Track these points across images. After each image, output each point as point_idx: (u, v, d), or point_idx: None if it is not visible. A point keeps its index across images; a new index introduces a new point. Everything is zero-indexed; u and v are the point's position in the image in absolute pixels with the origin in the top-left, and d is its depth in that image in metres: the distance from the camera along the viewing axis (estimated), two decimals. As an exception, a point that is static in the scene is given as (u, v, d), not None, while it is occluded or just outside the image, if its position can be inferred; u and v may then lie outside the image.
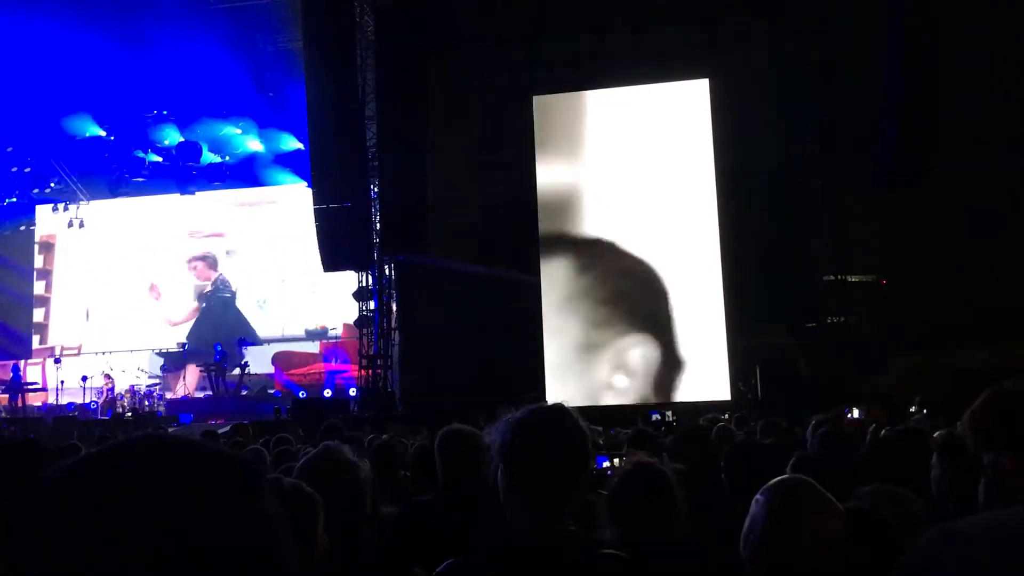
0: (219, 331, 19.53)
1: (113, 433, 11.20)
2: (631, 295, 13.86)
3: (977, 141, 12.76)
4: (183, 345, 19.59)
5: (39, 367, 20.71)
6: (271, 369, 19.24)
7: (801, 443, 4.61)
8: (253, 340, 19.10)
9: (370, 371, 14.74)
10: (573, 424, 1.79)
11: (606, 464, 4.02)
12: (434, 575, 1.80)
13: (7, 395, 18.66)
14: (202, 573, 0.76)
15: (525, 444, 1.75)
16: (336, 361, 18.70)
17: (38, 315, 21.65)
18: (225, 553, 0.77)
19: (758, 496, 1.82)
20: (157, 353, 20.22)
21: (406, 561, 2.44)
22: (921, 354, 11.89)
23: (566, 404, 1.89)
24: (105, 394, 18.18)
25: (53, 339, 21.32)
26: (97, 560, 0.74)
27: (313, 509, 1.84)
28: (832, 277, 13.61)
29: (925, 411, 8.28)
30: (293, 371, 19.05)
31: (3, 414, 17.75)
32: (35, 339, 21.43)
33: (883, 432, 5.49)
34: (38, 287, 21.72)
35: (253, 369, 18.37)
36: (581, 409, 1.90)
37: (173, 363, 19.84)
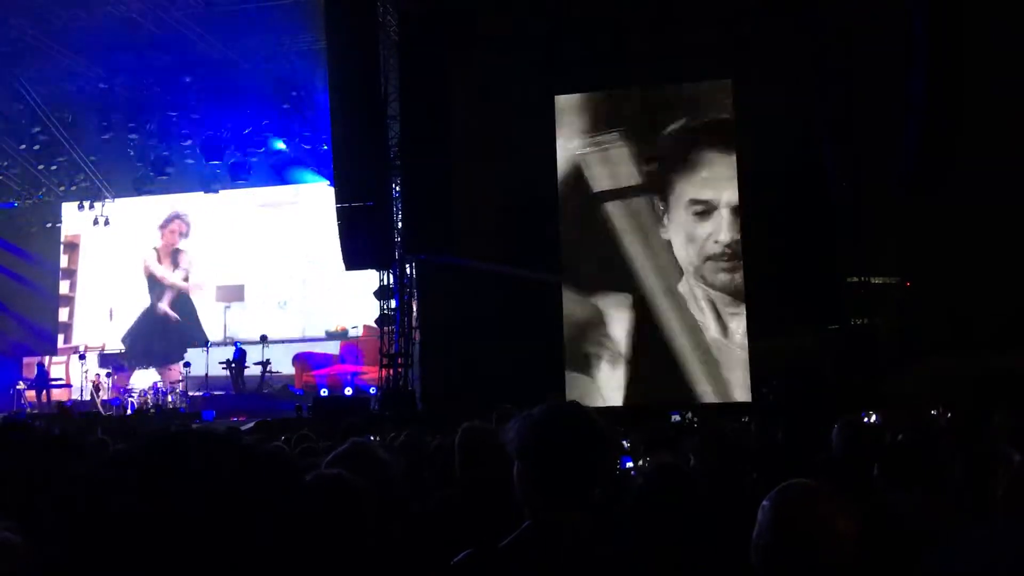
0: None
1: (136, 429, 11.30)
2: (652, 295, 13.84)
3: (1002, 143, 12.62)
4: (206, 343, 19.73)
5: (63, 363, 20.97)
6: (291, 369, 19.34)
7: (825, 446, 4.59)
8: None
9: (391, 370, 14.78)
10: (588, 421, 1.82)
11: (629, 464, 4.02)
12: (452, 564, 1.82)
13: (33, 391, 18.89)
14: (231, 561, 0.78)
15: (541, 442, 1.78)
16: (356, 362, 18.79)
17: (63, 315, 21.89)
18: (251, 543, 0.79)
19: (764, 502, 1.81)
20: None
21: (428, 559, 2.46)
22: (945, 357, 11.77)
23: (580, 402, 1.92)
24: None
25: (77, 339, 21.56)
26: (130, 546, 0.77)
27: (370, 511, 1.87)
28: (855, 279, 13.49)
29: (949, 415, 8.21)
30: (313, 372, 19.12)
31: (30, 410, 17.96)
32: (60, 338, 21.68)
33: (900, 436, 5.45)
34: (63, 287, 21.96)
35: (273, 367, 18.56)
36: (601, 410, 1.93)
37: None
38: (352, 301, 18.88)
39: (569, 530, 1.73)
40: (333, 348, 19.90)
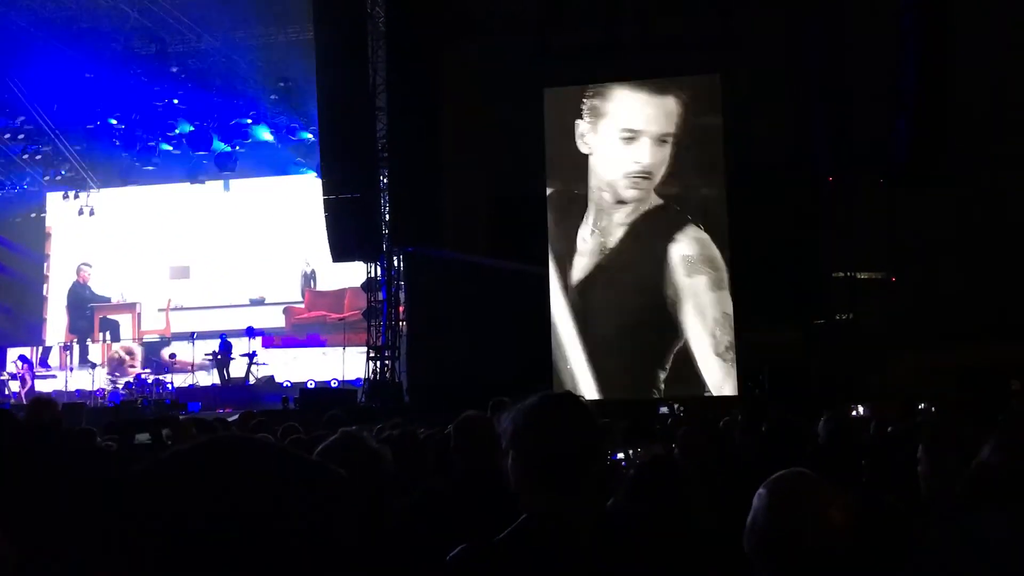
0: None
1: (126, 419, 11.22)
2: (639, 289, 13.85)
3: (989, 138, 12.71)
4: (192, 335, 19.63)
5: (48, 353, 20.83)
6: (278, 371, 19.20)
7: (811, 439, 4.62)
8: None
9: (378, 362, 14.77)
10: (584, 411, 1.83)
11: (620, 456, 4.04)
12: (448, 559, 1.81)
13: (18, 381, 18.78)
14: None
15: (537, 430, 1.78)
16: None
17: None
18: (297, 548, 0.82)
19: (760, 490, 1.83)
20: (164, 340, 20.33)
21: (422, 551, 2.45)
22: (931, 352, 11.86)
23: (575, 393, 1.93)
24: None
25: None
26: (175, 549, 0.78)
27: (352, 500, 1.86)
28: (841, 274, 13.57)
29: (934, 409, 8.28)
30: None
31: (14, 401, 17.85)
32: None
33: (889, 429, 5.50)
34: (45, 289, 21.74)
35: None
36: (589, 402, 1.94)
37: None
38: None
39: (565, 521, 1.72)
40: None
